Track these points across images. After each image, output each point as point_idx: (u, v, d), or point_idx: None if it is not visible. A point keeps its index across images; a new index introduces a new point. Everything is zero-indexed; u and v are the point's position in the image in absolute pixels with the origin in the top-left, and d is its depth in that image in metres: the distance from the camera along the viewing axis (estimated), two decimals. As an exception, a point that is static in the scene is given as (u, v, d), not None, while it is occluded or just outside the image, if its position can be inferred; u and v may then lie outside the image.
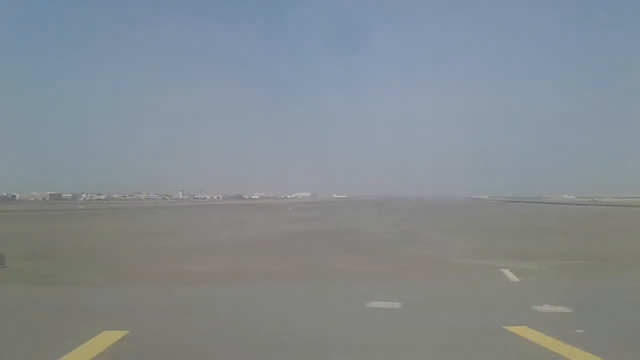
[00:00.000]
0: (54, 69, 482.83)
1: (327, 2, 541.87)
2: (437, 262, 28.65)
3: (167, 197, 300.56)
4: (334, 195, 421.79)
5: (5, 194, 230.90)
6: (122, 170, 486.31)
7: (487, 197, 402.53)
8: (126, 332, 11.83)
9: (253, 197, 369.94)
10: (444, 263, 27.79)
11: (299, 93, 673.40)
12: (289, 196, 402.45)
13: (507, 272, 21.78)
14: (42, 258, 30.34)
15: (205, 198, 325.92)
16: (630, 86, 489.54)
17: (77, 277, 23.48)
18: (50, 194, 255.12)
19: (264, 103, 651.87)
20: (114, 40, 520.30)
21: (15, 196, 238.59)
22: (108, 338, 11.38)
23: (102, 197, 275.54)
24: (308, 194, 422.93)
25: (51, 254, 32.48)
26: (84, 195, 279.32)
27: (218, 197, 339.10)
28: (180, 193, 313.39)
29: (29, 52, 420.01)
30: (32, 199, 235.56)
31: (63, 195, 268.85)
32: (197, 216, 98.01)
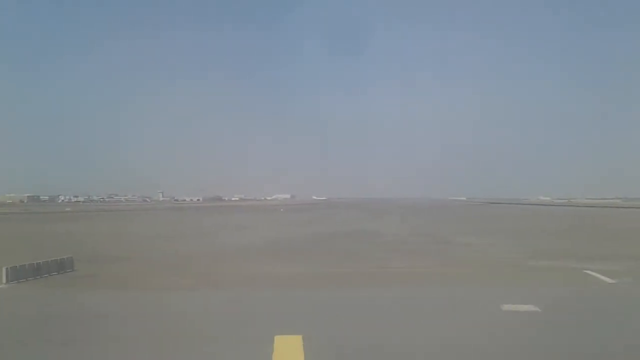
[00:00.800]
0: (36, 70, 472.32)
1: (326, 4, 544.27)
2: (506, 264, 28.97)
3: (147, 199, 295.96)
4: (313, 197, 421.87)
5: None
6: (99, 172, 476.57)
7: (464, 198, 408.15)
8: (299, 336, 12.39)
9: (233, 199, 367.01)
10: (516, 265, 28.20)
11: (281, 96, 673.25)
12: (268, 198, 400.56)
13: (594, 274, 22.38)
14: (99, 261, 30.23)
15: (185, 200, 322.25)
16: (607, 92, 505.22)
17: (163, 281, 23.60)
18: (28, 196, 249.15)
19: (243, 107, 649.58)
20: (113, 42, 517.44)
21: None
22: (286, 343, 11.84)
23: (81, 199, 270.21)
24: (287, 196, 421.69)
25: (104, 257, 32.35)
26: (61, 198, 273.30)
27: (198, 199, 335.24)
28: (161, 195, 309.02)
29: (14, 53, 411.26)
30: (10, 201, 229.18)
31: (41, 197, 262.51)
32: (201, 218, 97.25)
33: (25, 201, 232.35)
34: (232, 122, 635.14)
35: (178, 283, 22.99)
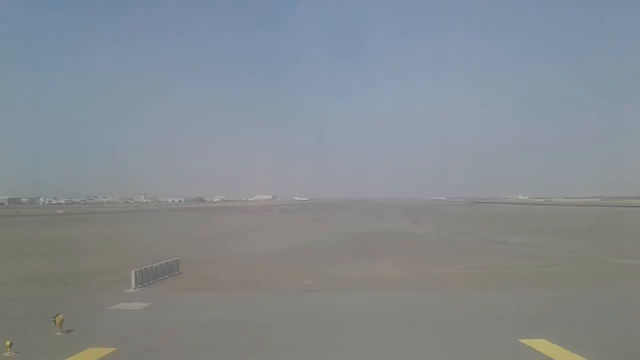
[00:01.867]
0: (16, 71, 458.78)
1: (324, 8, 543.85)
2: (598, 262, 29.85)
3: (130, 201, 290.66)
4: (295, 198, 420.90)
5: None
6: (76, 173, 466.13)
7: (444, 198, 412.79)
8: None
9: (215, 200, 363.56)
10: (610, 263, 29.11)
11: (258, 98, 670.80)
12: (250, 199, 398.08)
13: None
14: (190, 263, 29.72)
15: (167, 201, 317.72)
16: (584, 94, 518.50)
17: (285, 282, 23.41)
18: (7, 199, 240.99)
19: (225, 110, 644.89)
20: (107, 42, 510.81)
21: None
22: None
23: (61, 201, 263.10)
24: (269, 197, 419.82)
25: (187, 258, 31.64)
26: (41, 200, 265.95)
27: (180, 201, 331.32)
28: (143, 196, 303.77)
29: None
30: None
31: (21, 199, 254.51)
32: (213, 219, 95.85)
33: (6, 203, 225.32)
34: (213, 125, 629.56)
35: (304, 284, 22.84)
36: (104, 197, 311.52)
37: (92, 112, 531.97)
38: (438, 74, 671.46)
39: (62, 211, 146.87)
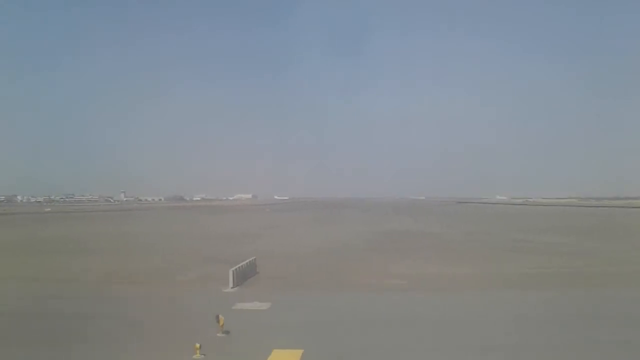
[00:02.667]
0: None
1: (324, 8, 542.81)
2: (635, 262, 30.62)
3: (110, 199, 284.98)
4: (275, 197, 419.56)
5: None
6: (53, 171, 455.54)
7: (424, 198, 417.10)
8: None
9: (195, 198, 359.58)
10: None
11: (248, 98, 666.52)
12: (230, 198, 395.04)
13: None
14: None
15: (147, 200, 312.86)
16: (563, 95, 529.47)
17: (370, 281, 23.45)
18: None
19: (205, 106, 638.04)
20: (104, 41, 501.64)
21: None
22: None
23: (40, 199, 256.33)
24: (249, 196, 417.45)
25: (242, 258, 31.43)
26: (19, 198, 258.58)
27: (160, 199, 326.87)
28: (123, 195, 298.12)
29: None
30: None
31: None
32: (209, 218, 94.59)
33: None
34: (193, 124, 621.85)
35: (392, 283, 22.93)
36: (82, 196, 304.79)
37: (70, 110, 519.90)
38: (425, 73, 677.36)
39: (49, 209, 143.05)
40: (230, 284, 21.16)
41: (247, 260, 24.17)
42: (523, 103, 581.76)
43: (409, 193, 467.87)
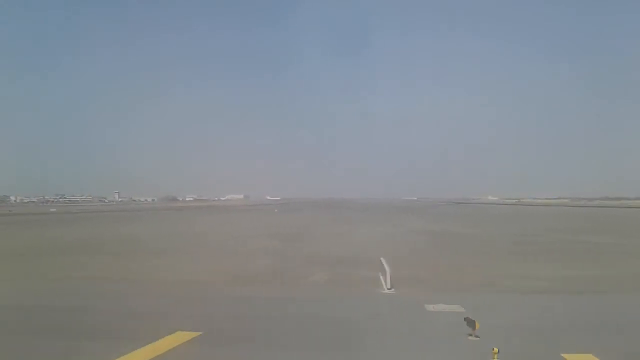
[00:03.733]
0: None
1: (325, 8, 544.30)
2: None
3: (104, 200, 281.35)
4: (267, 197, 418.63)
5: None
6: (45, 171, 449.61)
7: (415, 198, 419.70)
8: None
9: (187, 199, 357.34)
10: None
11: (233, 97, 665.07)
12: (222, 198, 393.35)
13: None
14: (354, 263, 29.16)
15: (140, 200, 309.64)
16: (556, 95, 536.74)
17: (511, 283, 23.05)
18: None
19: (199, 107, 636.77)
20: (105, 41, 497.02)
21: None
22: None
23: (34, 199, 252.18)
24: (241, 196, 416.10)
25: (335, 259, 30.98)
26: (12, 198, 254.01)
27: (153, 200, 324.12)
28: (117, 195, 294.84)
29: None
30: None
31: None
32: (227, 218, 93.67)
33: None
34: (185, 124, 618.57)
35: (539, 286, 22.53)
36: (73, 196, 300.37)
37: (62, 110, 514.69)
38: (419, 73, 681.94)
39: (55, 210, 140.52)
40: (388, 285, 20.63)
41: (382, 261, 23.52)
42: (515, 104, 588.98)
43: (400, 194, 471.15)
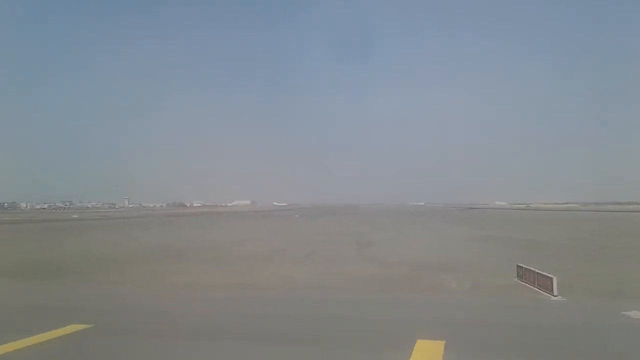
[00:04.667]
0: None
1: (328, 11, 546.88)
2: None
3: (114, 206, 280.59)
4: (274, 203, 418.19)
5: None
6: (51, 178, 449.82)
7: (423, 203, 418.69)
8: None
9: (195, 205, 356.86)
10: None
11: (240, 100, 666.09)
12: (229, 204, 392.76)
13: None
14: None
15: (149, 206, 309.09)
16: (562, 98, 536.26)
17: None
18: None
19: (203, 112, 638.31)
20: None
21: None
22: None
23: (44, 205, 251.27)
24: (248, 202, 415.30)
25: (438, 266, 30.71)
26: (23, 204, 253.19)
27: (161, 206, 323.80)
28: (126, 201, 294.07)
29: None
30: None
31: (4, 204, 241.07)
32: (265, 226, 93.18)
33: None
34: (189, 129, 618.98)
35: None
36: (81, 202, 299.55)
37: (67, 116, 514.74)
38: (423, 76, 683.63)
39: (77, 216, 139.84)
40: (555, 292, 20.45)
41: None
42: (521, 108, 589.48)
43: (405, 199, 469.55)
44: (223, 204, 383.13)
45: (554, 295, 20.36)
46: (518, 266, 25.31)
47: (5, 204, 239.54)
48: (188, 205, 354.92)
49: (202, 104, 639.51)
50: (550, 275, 20.92)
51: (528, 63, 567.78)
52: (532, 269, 23.34)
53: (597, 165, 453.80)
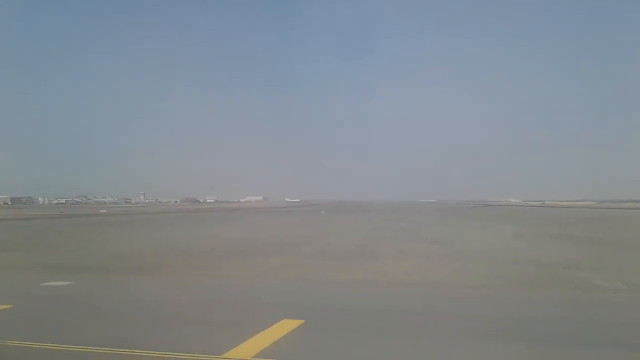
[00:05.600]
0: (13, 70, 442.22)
1: (328, 9, 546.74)
2: None
3: (130, 201, 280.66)
4: (286, 199, 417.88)
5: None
6: (68, 173, 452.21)
7: (435, 201, 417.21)
8: None
9: (208, 200, 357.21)
10: None
11: (250, 97, 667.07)
12: (241, 200, 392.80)
13: None
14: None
15: (163, 202, 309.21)
16: (575, 94, 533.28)
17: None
18: (10, 198, 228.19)
19: (215, 109, 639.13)
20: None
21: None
22: None
23: (62, 200, 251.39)
24: (260, 198, 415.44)
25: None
26: (40, 199, 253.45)
27: (176, 201, 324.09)
28: (142, 197, 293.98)
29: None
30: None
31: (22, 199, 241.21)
32: (302, 221, 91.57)
33: (9, 203, 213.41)
34: (201, 125, 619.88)
35: None
36: (94, 197, 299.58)
37: (84, 113, 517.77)
38: (427, 74, 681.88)
39: (105, 211, 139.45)
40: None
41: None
42: (530, 105, 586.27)
43: (414, 196, 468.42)
44: (235, 200, 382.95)
45: None
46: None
47: (23, 199, 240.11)
48: (201, 200, 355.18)
49: (213, 103, 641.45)
50: None
51: (544, 59, 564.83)
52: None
53: (609, 163, 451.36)
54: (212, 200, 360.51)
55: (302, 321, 12.50)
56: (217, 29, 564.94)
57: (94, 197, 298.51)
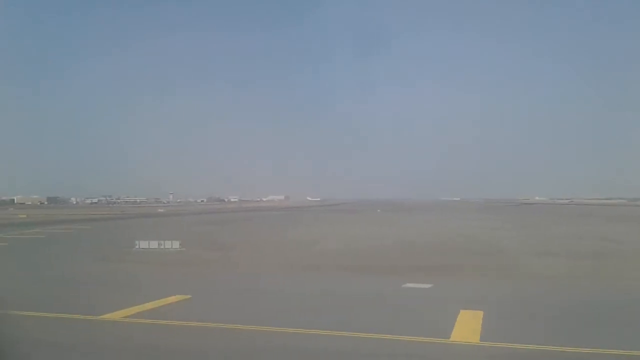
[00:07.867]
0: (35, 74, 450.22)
1: (331, 10, 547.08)
2: None
3: (160, 200, 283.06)
4: (308, 198, 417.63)
5: (4, 198, 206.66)
6: (96, 173, 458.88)
7: (458, 199, 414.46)
8: None
9: (232, 200, 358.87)
10: None
11: (270, 99, 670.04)
12: (264, 199, 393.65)
13: None
14: None
15: (191, 201, 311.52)
16: (605, 91, 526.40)
17: None
18: (47, 198, 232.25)
19: (236, 109, 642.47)
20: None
21: (13, 200, 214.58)
22: None
23: (95, 199, 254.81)
24: (282, 197, 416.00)
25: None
26: (73, 199, 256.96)
27: (202, 201, 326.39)
28: (171, 196, 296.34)
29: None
30: (30, 202, 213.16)
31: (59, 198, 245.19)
32: (359, 221, 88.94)
33: (46, 202, 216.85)
34: (225, 124, 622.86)
35: None
36: (119, 198, 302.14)
37: (111, 116, 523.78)
38: (445, 73, 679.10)
39: (162, 210, 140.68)
40: None
41: None
42: (552, 102, 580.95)
43: (436, 194, 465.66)
44: (258, 199, 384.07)
45: None
46: None
47: (59, 198, 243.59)
48: (225, 200, 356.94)
49: (233, 103, 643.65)
50: None
51: (565, 55, 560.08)
52: None
53: (634, 161, 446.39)
54: (236, 200, 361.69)
55: None
56: (242, 30, 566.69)
57: (124, 197, 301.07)
